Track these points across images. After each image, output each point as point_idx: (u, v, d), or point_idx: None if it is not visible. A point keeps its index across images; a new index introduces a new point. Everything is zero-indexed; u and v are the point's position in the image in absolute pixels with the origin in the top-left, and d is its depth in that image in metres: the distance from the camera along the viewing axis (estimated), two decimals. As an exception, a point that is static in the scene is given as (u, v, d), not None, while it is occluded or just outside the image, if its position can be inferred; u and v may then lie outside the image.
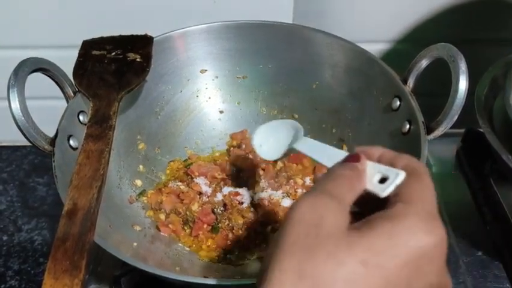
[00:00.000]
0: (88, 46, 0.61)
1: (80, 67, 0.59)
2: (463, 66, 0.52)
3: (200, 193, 0.64)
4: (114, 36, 0.63)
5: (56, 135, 0.55)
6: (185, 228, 0.61)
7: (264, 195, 0.64)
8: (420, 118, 0.55)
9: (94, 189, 0.45)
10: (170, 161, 0.68)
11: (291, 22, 0.72)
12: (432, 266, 0.30)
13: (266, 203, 0.63)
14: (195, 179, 0.65)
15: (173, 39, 0.66)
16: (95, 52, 0.61)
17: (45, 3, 0.70)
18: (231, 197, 0.63)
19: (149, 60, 0.60)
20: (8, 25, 0.72)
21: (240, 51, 0.68)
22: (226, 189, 0.64)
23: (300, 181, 0.65)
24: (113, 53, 0.61)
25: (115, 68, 0.59)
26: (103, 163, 0.48)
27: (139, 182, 0.64)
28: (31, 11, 0.71)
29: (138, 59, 0.60)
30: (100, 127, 0.51)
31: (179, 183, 0.65)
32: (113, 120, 0.52)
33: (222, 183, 0.65)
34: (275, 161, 0.67)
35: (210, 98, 0.71)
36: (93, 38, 0.62)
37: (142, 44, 0.62)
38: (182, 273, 0.54)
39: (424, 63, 0.57)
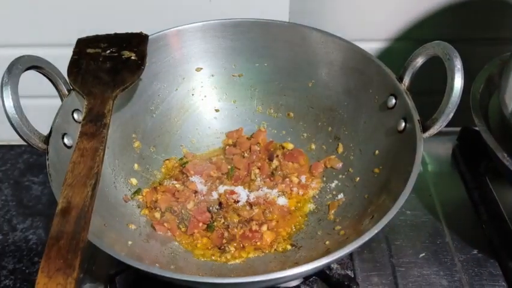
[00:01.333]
0: (82, 44, 0.61)
1: (74, 65, 0.58)
2: (458, 64, 0.52)
3: (195, 192, 0.64)
4: (109, 34, 0.62)
5: (50, 134, 0.54)
6: (181, 226, 0.61)
7: (259, 193, 0.64)
8: (416, 116, 0.55)
9: (88, 187, 0.45)
10: (166, 160, 0.68)
11: (287, 20, 0.72)
12: None
13: (262, 201, 0.63)
14: (190, 178, 0.65)
15: (169, 37, 0.66)
16: (89, 50, 0.60)
17: (40, 1, 0.70)
18: (227, 195, 0.63)
19: (144, 58, 0.60)
20: (1, 23, 0.72)
21: (236, 49, 0.68)
22: (222, 188, 0.64)
23: (295, 179, 0.65)
24: (108, 51, 0.60)
25: (110, 66, 0.59)
26: (98, 161, 0.48)
27: (134, 181, 0.64)
28: (25, 9, 0.71)
29: (133, 57, 0.60)
30: (95, 125, 0.51)
31: (175, 182, 0.65)
32: (108, 118, 0.52)
33: (217, 181, 0.65)
34: (271, 160, 0.67)
35: (205, 96, 0.70)
36: (88, 36, 0.62)
37: (137, 42, 0.62)
38: (178, 271, 0.54)
39: (420, 61, 0.57)
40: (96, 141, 0.50)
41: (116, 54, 0.60)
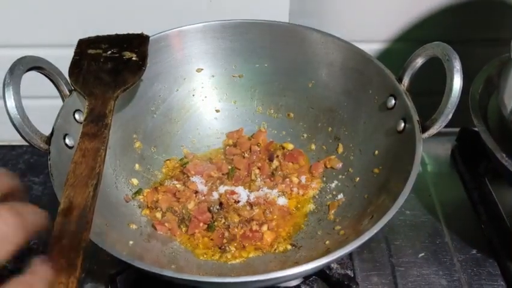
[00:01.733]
0: (83, 45, 0.61)
1: (76, 66, 0.59)
2: (457, 65, 0.53)
3: (196, 192, 0.64)
4: (110, 35, 0.63)
5: (51, 134, 0.55)
6: (182, 226, 0.61)
7: (259, 193, 0.64)
8: (415, 117, 0.56)
9: (89, 187, 0.45)
10: (167, 160, 0.68)
11: (287, 21, 0.72)
12: None
13: (262, 201, 0.63)
14: (191, 178, 0.65)
15: (170, 38, 0.66)
16: (90, 51, 0.61)
17: (41, 2, 0.70)
18: (227, 195, 0.63)
19: (145, 59, 0.60)
20: (3, 24, 0.72)
21: (236, 50, 0.68)
22: (222, 188, 0.64)
23: (295, 180, 0.65)
24: (109, 52, 0.61)
25: (111, 67, 0.59)
26: (99, 161, 0.48)
27: (135, 181, 0.64)
28: (27, 10, 0.71)
29: (134, 58, 0.60)
30: (96, 126, 0.51)
31: (176, 182, 0.65)
32: (109, 118, 0.52)
33: (218, 181, 0.65)
34: (271, 160, 0.67)
35: (206, 96, 0.71)
36: (89, 37, 0.62)
37: (138, 42, 0.62)
38: (179, 271, 0.54)
39: (419, 62, 0.57)
40: (97, 141, 0.50)
41: (117, 55, 0.60)
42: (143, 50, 0.61)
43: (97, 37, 0.62)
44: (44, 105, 0.65)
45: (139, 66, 0.60)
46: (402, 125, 0.58)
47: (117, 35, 0.63)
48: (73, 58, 0.60)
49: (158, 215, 0.62)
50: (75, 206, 0.44)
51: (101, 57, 0.60)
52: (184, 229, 0.61)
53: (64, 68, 0.58)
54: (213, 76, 0.70)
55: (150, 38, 0.63)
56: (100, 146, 0.49)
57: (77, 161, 0.48)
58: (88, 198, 0.44)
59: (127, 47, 0.61)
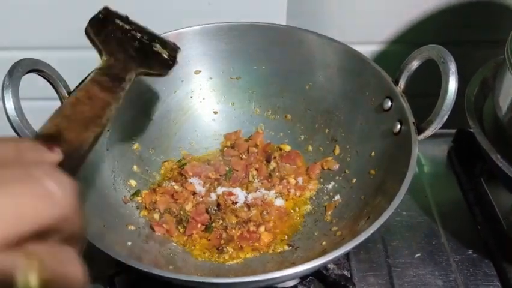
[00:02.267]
0: (109, 14, 0.52)
1: (98, 22, 0.50)
2: (452, 67, 0.53)
3: (194, 193, 0.64)
4: (142, 26, 0.54)
5: (50, 136, 0.55)
6: (179, 227, 0.61)
7: (257, 195, 0.64)
8: (411, 119, 0.56)
9: (89, 132, 0.36)
10: (165, 161, 0.68)
11: (284, 23, 0.73)
12: None
13: (259, 202, 0.64)
14: (189, 179, 0.65)
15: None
16: (118, 22, 0.52)
17: (40, 4, 0.71)
18: (225, 196, 0.64)
19: (174, 61, 0.55)
20: (2, 26, 0.73)
21: (234, 52, 0.69)
22: (220, 189, 0.65)
23: (293, 181, 0.66)
24: (139, 35, 0.53)
25: (139, 47, 0.52)
26: (108, 115, 0.39)
27: (133, 182, 0.64)
28: (26, 12, 0.72)
29: (165, 55, 0.54)
30: (111, 82, 0.43)
31: (174, 183, 0.65)
32: (127, 85, 0.44)
33: (215, 183, 0.65)
34: (268, 162, 0.68)
35: (204, 98, 0.71)
36: (118, 12, 0.53)
37: (170, 48, 0.56)
38: (176, 272, 0.54)
39: (415, 64, 0.58)
40: (109, 96, 0.41)
41: (147, 42, 0.53)
42: (174, 55, 0.55)
43: (127, 17, 0.54)
44: (42, 107, 0.66)
45: (168, 64, 0.53)
46: (398, 126, 0.58)
47: (149, 30, 0.55)
48: (96, 15, 0.51)
49: (156, 216, 0.62)
50: (65, 140, 0.33)
51: (129, 32, 0.52)
52: (182, 230, 0.61)
53: (63, 71, 0.58)
54: (210, 78, 0.70)
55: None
56: (111, 101, 0.41)
57: (80, 98, 0.39)
58: (86, 142, 0.35)
59: (157, 42, 0.55)
